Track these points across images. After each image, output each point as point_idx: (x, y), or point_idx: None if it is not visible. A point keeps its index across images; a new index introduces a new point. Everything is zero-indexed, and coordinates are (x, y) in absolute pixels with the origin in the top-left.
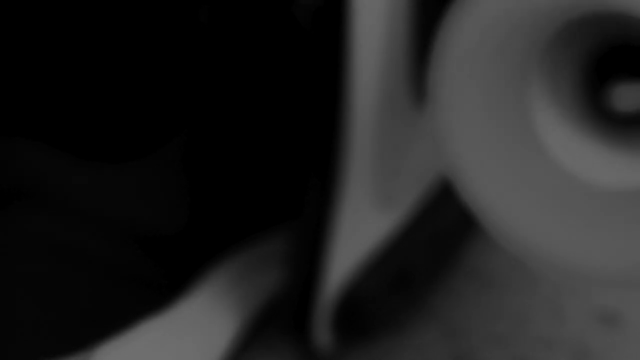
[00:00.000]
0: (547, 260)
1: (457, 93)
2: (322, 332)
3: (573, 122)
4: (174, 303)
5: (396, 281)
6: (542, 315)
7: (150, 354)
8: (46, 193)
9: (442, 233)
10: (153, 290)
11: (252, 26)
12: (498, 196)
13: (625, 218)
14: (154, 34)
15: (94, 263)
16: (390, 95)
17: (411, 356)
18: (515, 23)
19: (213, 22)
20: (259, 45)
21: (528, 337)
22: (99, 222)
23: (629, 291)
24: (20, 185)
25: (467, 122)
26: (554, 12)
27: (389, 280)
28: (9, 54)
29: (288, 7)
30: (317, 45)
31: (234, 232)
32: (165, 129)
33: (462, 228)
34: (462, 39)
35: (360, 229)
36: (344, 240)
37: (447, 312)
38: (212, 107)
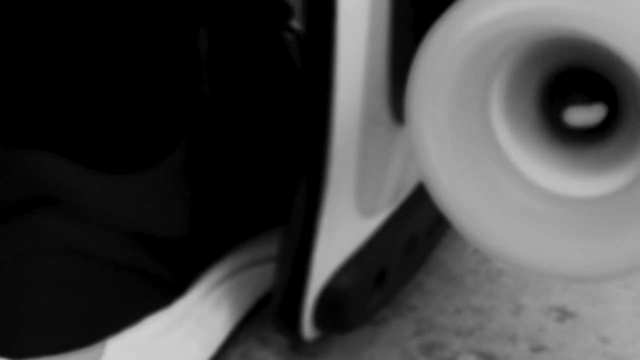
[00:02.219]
0: (509, 258)
1: (428, 112)
2: (309, 326)
3: (532, 135)
4: (179, 299)
5: (375, 281)
6: (504, 311)
7: (156, 345)
8: (65, 201)
9: (417, 237)
10: (160, 287)
11: (245, 48)
12: (466, 201)
13: (581, 223)
14: (160, 64)
15: (107, 263)
16: (372, 116)
17: (387, 348)
18: (476, 52)
19: (211, 47)
20: (252, 67)
21: (491, 331)
22: (110, 226)
23: (581, 290)
24: (42, 193)
25: (438, 137)
26: (506, 43)
27: (369, 280)
28: (36, 82)
29: (278, 32)
30: (304, 69)
31: (232, 235)
32: (167, 143)
33: (435, 233)
34: (431, 66)
35: (343, 234)
36: (328, 245)
37: (419, 308)
38: (210, 125)
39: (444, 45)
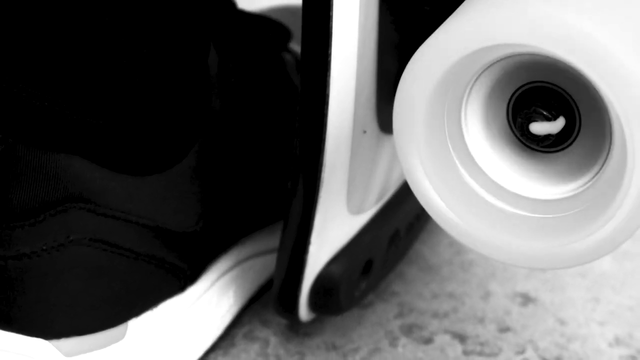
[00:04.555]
0: (478, 249)
1: (411, 124)
2: (305, 310)
3: (500, 144)
4: (191, 286)
5: (362, 270)
6: (474, 297)
7: (172, 326)
8: (93, 199)
9: (399, 232)
10: (175, 275)
11: (250, 67)
12: (442, 201)
13: (542, 221)
14: (175, 81)
15: (129, 254)
16: (361, 127)
17: (372, 328)
18: (450, 74)
19: (220, 66)
20: (256, 83)
21: (464, 314)
22: (132, 221)
23: (542, 278)
24: (74, 192)
25: (419, 146)
26: (477, 65)
27: (357, 270)
28: (71, 97)
29: (279, 53)
30: (301, 86)
31: (238, 230)
32: (181, 150)
33: (415, 229)
34: (413, 85)
35: (335, 229)
36: (322, 239)
37: (401, 294)
38: (219, 133)
39: (424, 68)
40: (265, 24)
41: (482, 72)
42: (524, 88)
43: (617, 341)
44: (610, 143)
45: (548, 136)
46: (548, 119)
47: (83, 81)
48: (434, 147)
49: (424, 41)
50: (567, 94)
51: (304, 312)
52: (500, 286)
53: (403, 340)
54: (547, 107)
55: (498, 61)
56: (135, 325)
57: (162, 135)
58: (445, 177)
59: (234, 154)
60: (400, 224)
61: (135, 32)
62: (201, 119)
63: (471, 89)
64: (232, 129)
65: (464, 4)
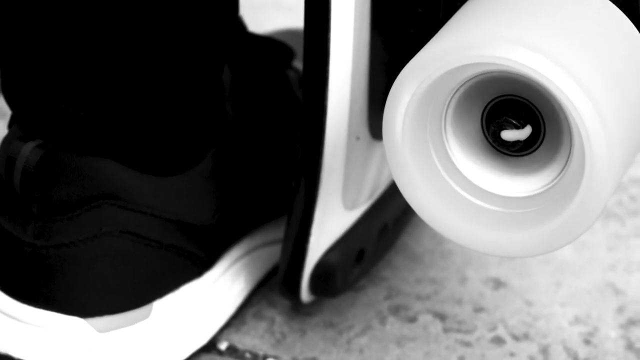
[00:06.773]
0: (456, 239)
1: (398, 131)
2: (306, 292)
3: (476, 148)
4: (207, 271)
5: (355, 258)
6: (453, 281)
7: (190, 306)
8: (122, 196)
9: (387, 225)
10: (193, 262)
11: (259, 82)
12: (424, 198)
13: (511, 215)
14: (194, 93)
15: (153, 243)
16: (354, 134)
17: (364, 309)
18: (432, 88)
19: (233, 81)
20: (263, 96)
21: (443, 296)
22: (156, 215)
23: (511, 265)
24: (105, 190)
25: (405, 150)
26: (455, 81)
27: (351, 258)
28: (102, 109)
29: (283, 70)
30: (303, 99)
31: (248, 223)
32: (199, 153)
33: (401, 222)
34: (400, 98)
35: (332, 222)
36: (320, 231)
37: (389, 279)
38: (232, 139)
39: (409, 83)
40: (271, 45)
41: (460, 87)
42: (496, 100)
43: (577, 320)
44: (571, 148)
45: (517, 142)
46: (517, 127)
47: (115, 95)
48: (418, 151)
49: (410, 60)
50: (534, 105)
51: (305, 294)
52: (475, 272)
53: (391, 319)
54: (516, 117)
55: (474, 77)
56: (159, 305)
57: (182, 141)
58: (428, 177)
59: (245, 157)
60: (389, 218)
61: (159, 54)
62: (216, 127)
63: (450, 101)
64: (244, 136)
65: (443, 28)
